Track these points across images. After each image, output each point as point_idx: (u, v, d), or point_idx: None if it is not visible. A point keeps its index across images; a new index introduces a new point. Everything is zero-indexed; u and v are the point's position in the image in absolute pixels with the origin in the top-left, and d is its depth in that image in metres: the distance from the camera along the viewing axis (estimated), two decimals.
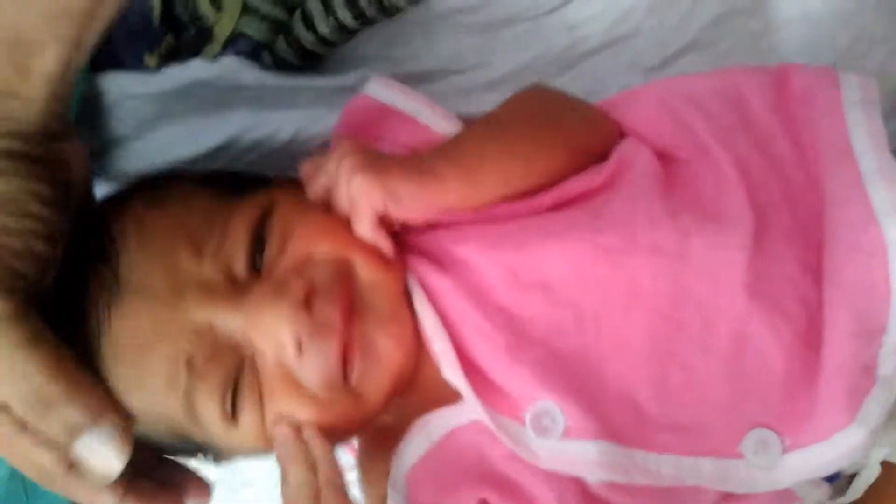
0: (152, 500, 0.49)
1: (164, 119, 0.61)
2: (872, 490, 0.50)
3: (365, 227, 0.47)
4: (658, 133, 0.53)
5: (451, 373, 0.48)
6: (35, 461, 0.42)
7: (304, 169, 0.51)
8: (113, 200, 0.49)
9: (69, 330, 0.45)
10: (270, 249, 0.47)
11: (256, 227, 0.47)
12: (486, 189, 0.49)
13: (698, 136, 0.51)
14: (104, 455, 0.42)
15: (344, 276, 0.47)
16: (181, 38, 0.64)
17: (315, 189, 0.50)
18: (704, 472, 0.46)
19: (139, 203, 0.48)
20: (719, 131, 0.51)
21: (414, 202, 0.47)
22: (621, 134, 0.55)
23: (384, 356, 0.47)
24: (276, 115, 0.61)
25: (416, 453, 0.50)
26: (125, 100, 0.61)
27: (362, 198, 0.46)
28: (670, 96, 0.54)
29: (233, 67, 0.61)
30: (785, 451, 0.45)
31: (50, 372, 0.42)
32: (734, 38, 0.63)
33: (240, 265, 0.47)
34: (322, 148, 0.60)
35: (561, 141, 0.51)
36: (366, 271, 0.48)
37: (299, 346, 0.45)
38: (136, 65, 0.63)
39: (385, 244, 0.48)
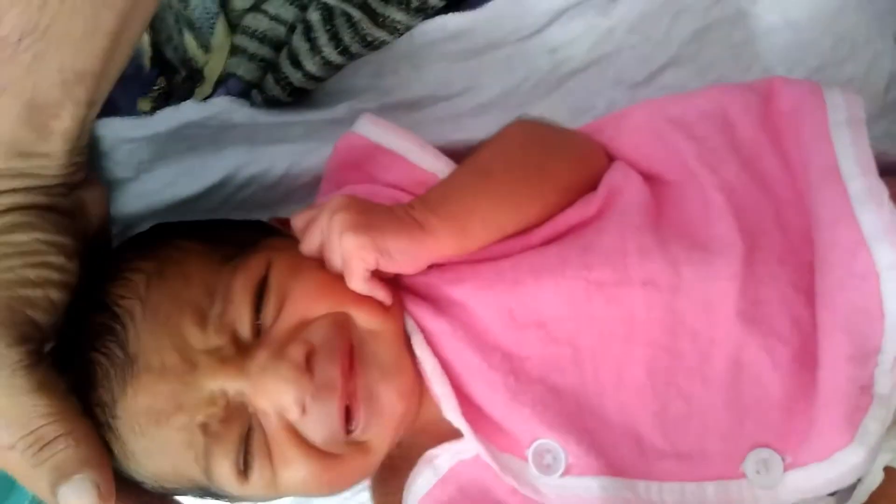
0: None
1: (160, 161, 0.63)
2: (876, 495, 0.51)
3: (358, 283, 0.48)
4: (645, 156, 0.53)
5: (453, 415, 0.48)
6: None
7: (296, 223, 0.52)
8: (113, 269, 0.50)
9: (76, 381, 0.47)
10: (268, 313, 0.48)
11: (257, 291, 0.48)
12: (477, 238, 0.49)
13: (685, 161, 0.52)
14: None
15: (342, 330, 0.48)
16: (173, 80, 0.66)
17: (308, 245, 0.50)
18: (708, 495, 0.47)
19: (141, 278, 0.48)
20: (706, 155, 0.51)
21: (405, 257, 0.47)
22: (609, 157, 0.55)
23: (387, 407, 0.48)
24: (269, 150, 0.63)
25: (425, 486, 0.51)
26: (121, 144, 0.62)
27: (354, 256, 0.47)
28: (657, 119, 0.54)
29: (224, 107, 0.62)
30: (786, 469, 0.46)
31: (53, 419, 0.44)
32: (717, 50, 0.63)
33: (244, 330, 0.47)
34: (313, 184, 0.62)
35: (550, 183, 0.52)
36: (364, 320, 0.49)
37: (303, 408, 0.46)
38: (131, 109, 0.65)
39: (382, 295, 0.49)
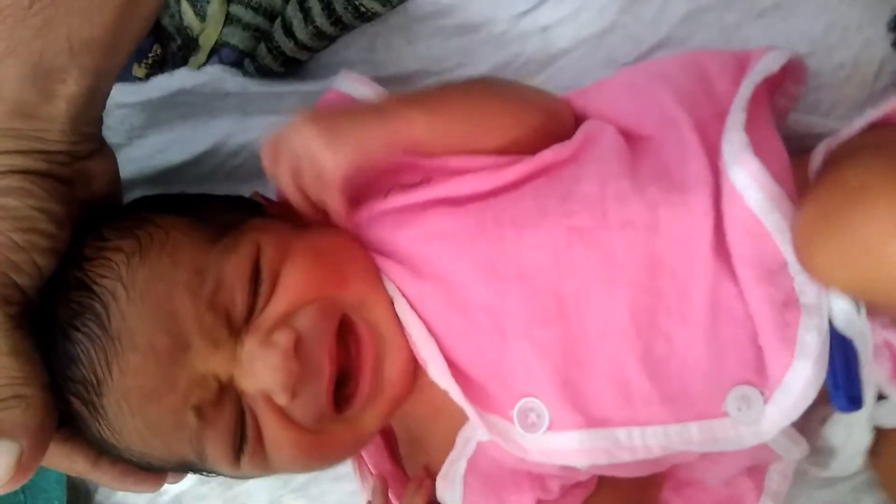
0: (126, 467, 0.51)
1: (152, 127, 0.64)
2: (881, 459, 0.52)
3: (324, 188, 0.50)
4: (621, 112, 0.54)
5: (439, 377, 0.49)
6: None
7: (265, 153, 0.52)
8: (92, 246, 0.48)
9: (55, 356, 0.47)
10: (261, 298, 0.48)
11: (252, 276, 0.48)
12: (444, 120, 0.51)
13: (661, 102, 0.52)
14: None
15: (329, 315, 0.48)
16: (168, 48, 0.66)
17: (279, 173, 0.51)
18: (692, 436, 0.47)
19: (121, 259, 0.47)
20: (684, 98, 0.52)
21: (369, 132, 0.49)
22: (577, 117, 0.56)
23: (388, 384, 0.49)
24: (260, 120, 0.63)
25: (457, 497, 0.52)
26: (115, 109, 0.63)
27: (313, 142, 0.49)
28: (636, 76, 0.55)
29: (217, 76, 0.63)
30: (766, 402, 0.46)
31: (17, 382, 0.44)
32: (707, 33, 0.63)
33: (238, 314, 0.47)
34: None
35: (523, 108, 0.53)
36: (352, 298, 0.49)
37: (292, 393, 0.46)
38: (125, 75, 0.65)
39: (337, 203, 0.50)
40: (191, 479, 0.67)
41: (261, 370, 0.46)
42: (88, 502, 0.70)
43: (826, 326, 0.45)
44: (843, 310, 0.45)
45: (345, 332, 0.49)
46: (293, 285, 0.48)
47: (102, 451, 0.50)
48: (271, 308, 0.47)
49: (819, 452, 0.53)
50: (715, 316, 0.47)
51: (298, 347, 0.46)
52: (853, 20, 0.62)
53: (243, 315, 0.47)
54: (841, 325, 0.46)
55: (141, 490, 0.53)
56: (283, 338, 0.46)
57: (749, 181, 0.46)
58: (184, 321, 0.46)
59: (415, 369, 0.50)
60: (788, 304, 0.45)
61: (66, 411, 0.48)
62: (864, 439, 0.51)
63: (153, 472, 0.53)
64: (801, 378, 0.45)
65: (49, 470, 0.65)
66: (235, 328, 0.47)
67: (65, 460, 0.50)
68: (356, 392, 0.48)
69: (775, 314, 0.45)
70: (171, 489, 0.69)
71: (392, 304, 0.51)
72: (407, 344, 0.50)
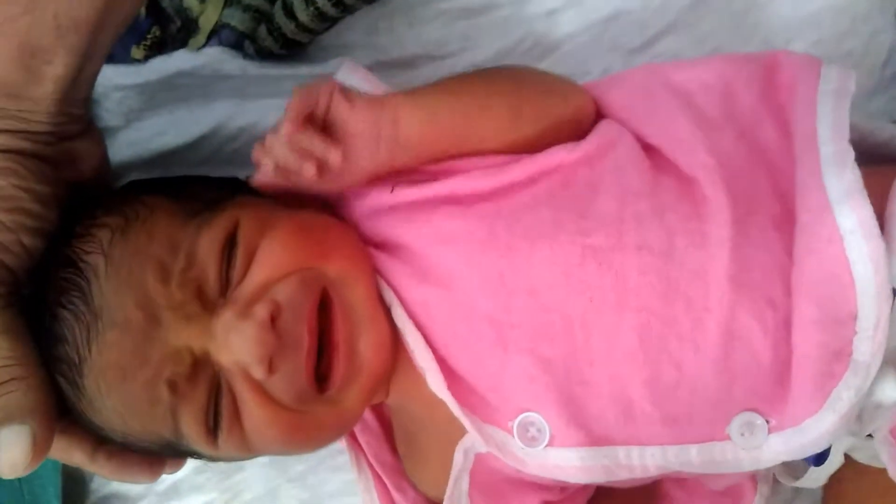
0: (123, 458, 0.51)
1: (151, 109, 0.63)
2: (835, 479, 0.51)
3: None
4: (633, 115, 0.53)
5: (437, 388, 0.48)
6: None
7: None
8: (81, 225, 0.48)
9: (45, 336, 0.47)
10: (236, 271, 0.47)
11: (224, 249, 0.47)
12: (438, 111, 0.50)
13: (677, 124, 0.51)
14: (12, 452, 0.43)
15: (310, 287, 0.47)
16: (167, 30, 0.65)
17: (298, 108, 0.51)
18: (692, 457, 0.47)
19: (105, 234, 0.47)
20: (701, 122, 0.51)
21: (363, 103, 0.49)
22: (598, 115, 0.54)
23: (365, 363, 0.48)
24: (259, 104, 0.62)
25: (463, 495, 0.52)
26: (113, 91, 0.62)
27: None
28: (654, 82, 0.53)
29: (217, 57, 0.62)
30: (770, 431, 0.46)
31: (11, 363, 0.44)
32: (715, 19, 0.62)
33: (210, 287, 0.47)
34: None
35: (527, 102, 0.52)
36: (335, 272, 0.48)
37: (269, 366, 0.45)
38: (124, 57, 0.64)
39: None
40: (187, 468, 0.66)
41: (236, 342, 0.45)
42: (84, 490, 0.69)
43: (866, 388, 0.44)
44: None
45: (328, 308, 0.48)
46: (272, 256, 0.47)
47: (100, 442, 0.50)
48: (249, 280, 0.47)
49: (792, 466, 0.53)
50: (728, 345, 0.46)
51: (277, 319, 0.45)
52: (862, 8, 0.62)
53: (217, 289, 0.46)
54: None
55: (139, 480, 0.53)
56: (261, 309, 0.45)
57: (856, 226, 0.44)
58: (154, 296, 0.45)
59: (392, 347, 0.50)
60: (839, 356, 0.44)
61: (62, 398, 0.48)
62: (835, 463, 0.51)
63: (150, 460, 0.52)
64: (820, 428, 0.45)
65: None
66: (209, 302, 0.46)
67: (63, 451, 0.50)
68: (331, 370, 0.47)
69: (821, 361, 0.44)
70: (167, 478, 0.68)
71: (375, 281, 0.50)
72: (384, 322, 0.49)
